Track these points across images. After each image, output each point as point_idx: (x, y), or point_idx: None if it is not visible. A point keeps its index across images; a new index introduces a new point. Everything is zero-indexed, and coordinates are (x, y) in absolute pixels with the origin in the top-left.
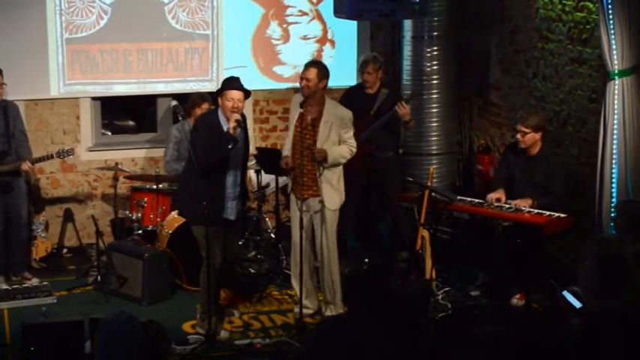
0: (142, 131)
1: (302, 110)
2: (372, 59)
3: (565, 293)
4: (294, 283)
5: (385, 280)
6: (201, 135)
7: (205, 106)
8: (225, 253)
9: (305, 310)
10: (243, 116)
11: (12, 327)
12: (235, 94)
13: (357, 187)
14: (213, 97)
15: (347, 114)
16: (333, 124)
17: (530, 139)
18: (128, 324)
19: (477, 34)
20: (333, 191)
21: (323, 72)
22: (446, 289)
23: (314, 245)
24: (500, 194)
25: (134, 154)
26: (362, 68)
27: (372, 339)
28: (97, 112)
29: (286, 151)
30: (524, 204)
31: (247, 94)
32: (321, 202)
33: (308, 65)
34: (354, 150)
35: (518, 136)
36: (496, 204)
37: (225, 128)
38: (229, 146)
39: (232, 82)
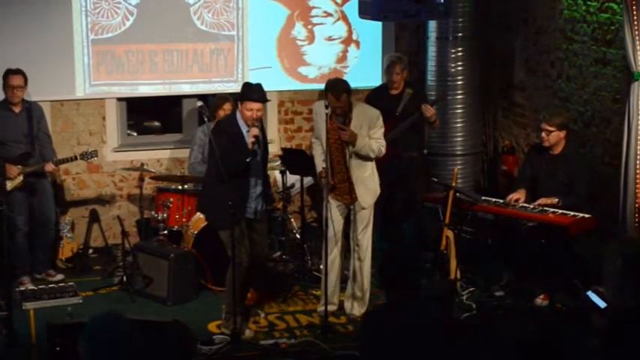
0: (167, 132)
1: (327, 111)
2: (398, 60)
3: (589, 293)
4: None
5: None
6: (222, 142)
7: (227, 106)
8: (254, 254)
9: (331, 307)
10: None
11: (38, 327)
12: (255, 105)
13: (381, 188)
14: (235, 98)
15: (375, 113)
16: (362, 126)
17: (555, 137)
18: (114, 323)
19: (501, 35)
20: (365, 190)
21: (350, 88)
22: (470, 289)
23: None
24: (520, 194)
25: (160, 155)
26: (388, 70)
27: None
28: (123, 113)
29: (319, 166)
30: (549, 202)
31: (265, 101)
32: (358, 203)
33: (338, 93)
34: (383, 149)
35: (543, 134)
36: (519, 204)
37: (244, 131)
38: (247, 160)
39: (253, 93)
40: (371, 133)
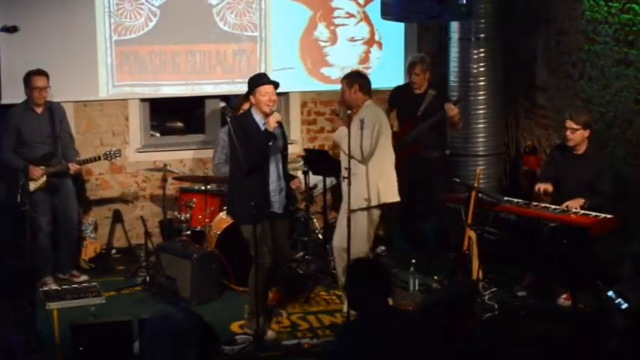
0: (190, 132)
1: (349, 112)
2: (419, 60)
3: (611, 293)
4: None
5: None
6: (242, 138)
7: (246, 105)
8: (276, 253)
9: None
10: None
11: (61, 327)
12: (268, 88)
13: (402, 188)
14: (246, 94)
15: (371, 115)
16: (362, 121)
17: (579, 136)
18: (178, 319)
19: (523, 36)
20: (354, 191)
21: (350, 79)
22: (493, 289)
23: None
24: (548, 186)
25: (182, 156)
26: (410, 69)
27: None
28: (146, 114)
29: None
30: (576, 204)
31: (276, 85)
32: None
33: (342, 80)
34: (357, 152)
35: (568, 132)
36: (548, 196)
37: (261, 125)
38: (270, 143)
39: (263, 78)
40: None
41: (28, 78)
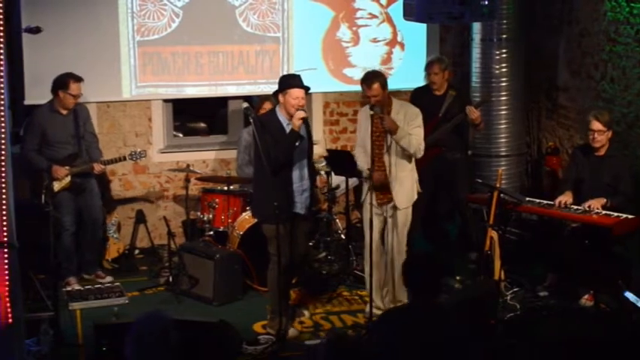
0: (213, 133)
1: (372, 113)
2: (437, 60)
3: (628, 294)
4: (368, 283)
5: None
6: (266, 137)
7: (267, 105)
8: (292, 254)
9: (375, 311)
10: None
11: (84, 327)
12: (299, 93)
13: (425, 189)
14: (275, 92)
15: (415, 110)
16: (400, 120)
17: (606, 137)
18: (159, 323)
19: (545, 37)
20: (402, 190)
21: (384, 80)
22: (515, 289)
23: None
24: (567, 197)
25: (205, 156)
26: (427, 70)
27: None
28: (169, 114)
29: (365, 168)
30: (597, 204)
31: (307, 89)
32: (394, 205)
33: (369, 82)
34: (422, 148)
35: (596, 135)
36: (564, 207)
37: (285, 125)
38: (297, 143)
39: (295, 80)
40: (409, 127)
41: (66, 82)
